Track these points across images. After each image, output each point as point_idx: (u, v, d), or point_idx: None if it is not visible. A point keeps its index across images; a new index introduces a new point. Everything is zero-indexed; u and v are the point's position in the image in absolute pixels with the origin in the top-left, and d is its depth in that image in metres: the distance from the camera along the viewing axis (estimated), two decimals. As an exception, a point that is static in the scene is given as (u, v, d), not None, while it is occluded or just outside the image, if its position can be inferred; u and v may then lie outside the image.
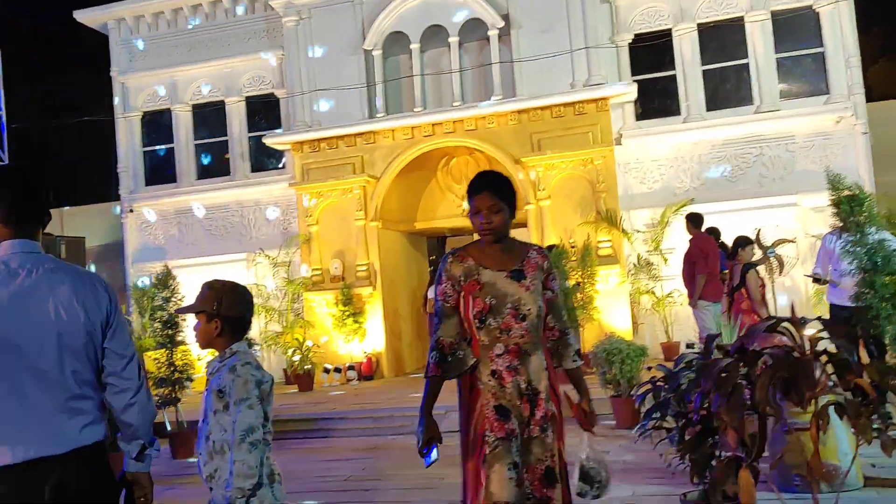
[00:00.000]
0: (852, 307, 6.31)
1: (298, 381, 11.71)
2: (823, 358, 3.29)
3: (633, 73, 12.36)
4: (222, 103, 14.27)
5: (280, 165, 14.05)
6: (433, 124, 12.13)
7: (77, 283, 2.33)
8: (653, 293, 11.75)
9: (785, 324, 3.41)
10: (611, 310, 11.17)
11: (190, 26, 14.40)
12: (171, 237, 14.39)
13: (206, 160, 14.49)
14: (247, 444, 2.60)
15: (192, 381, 8.40)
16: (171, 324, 8.23)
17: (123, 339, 2.39)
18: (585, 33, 11.72)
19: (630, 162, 12.28)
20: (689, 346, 10.26)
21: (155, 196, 14.45)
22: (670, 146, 12.21)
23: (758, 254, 9.17)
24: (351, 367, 11.98)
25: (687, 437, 3.76)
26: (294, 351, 12.02)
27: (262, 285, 13.02)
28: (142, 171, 14.74)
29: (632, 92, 11.68)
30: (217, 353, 2.85)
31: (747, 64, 12.08)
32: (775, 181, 11.81)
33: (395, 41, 12.55)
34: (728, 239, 9.39)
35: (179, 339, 8.27)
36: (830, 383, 3.35)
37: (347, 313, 11.99)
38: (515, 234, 3.12)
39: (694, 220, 9.19)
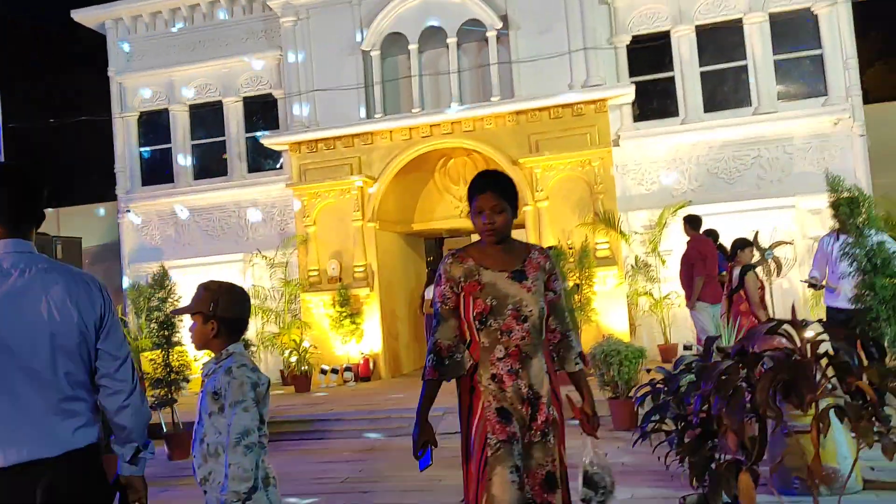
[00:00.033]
0: (849, 310, 6.31)
1: (295, 383, 11.68)
2: (823, 361, 3.27)
3: (632, 75, 12.35)
4: (220, 103, 14.23)
5: (277, 166, 14.02)
6: (431, 125, 12.11)
7: (71, 283, 2.30)
8: (650, 295, 11.74)
9: (784, 326, 3.40)
10: (608, 311, 11.16)
11: (188, 26, 14.37)
12: (168, 237, 14.35)
13: (203, 160, 14.44)
14: (242, 447, 2.57)
15: (188, 381, 8.36)
16: (168, 324, 8.19)
17: (117, 341, 2.36)
18: (584, 34, 11.71)
19: (628, 163, 12.28)
20: (687, 347, 10.26)
21: (152, 196, 14.40)
22: (668, 148, 12.20)
23: (756, 256, 9.16)
24: (348, 369, 11.96)
25: (686, 440, 3.74)
26: (291, 352, 11.99)
27: (259, 286, 12.99)
28: (138, 171, 14.69)
29: (630, 93, 11.67)
30: (213, 355, 2.83)
31: (745, 66, 12.09)
32: (773, 183, 11.82)
33: (394, 42, 12.53)
34: (726, 241, 9.39)
35: (176, 339, 8.24)
36: (829, 386, 3.33)
37: (344, 314, 11.97)
38: (513, 235, 3.10)
39: (692, 222, 9.18)
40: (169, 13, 14.41)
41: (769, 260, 10.12)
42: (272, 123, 13.87)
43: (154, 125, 14.67)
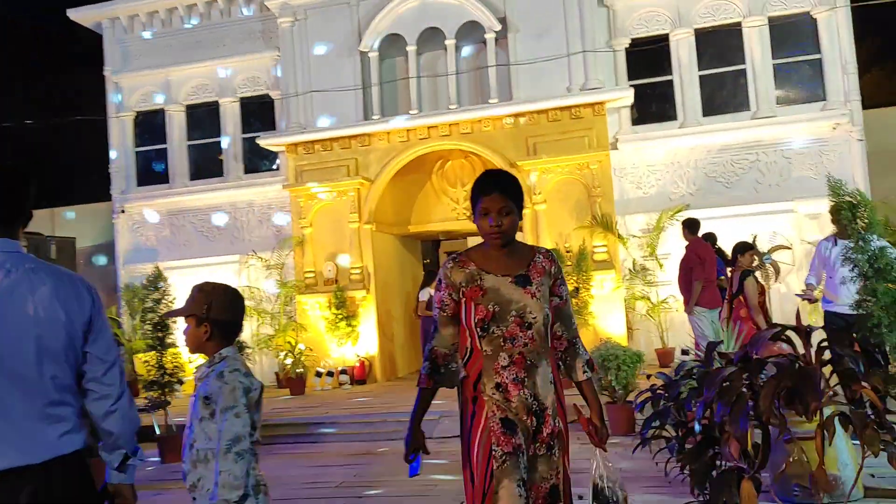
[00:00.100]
0: (849, 315, 6.24)
1: (290, 385, 11.61)
2: (827, 368, 3.22)
3: (630, 78, 12.32)
4: (216, 104, 14.16)
5: (274, 167, 13.96)
6: (429, 127, 12.06)
7: (58, 284, 2.24)
8: (648, 299, 11.69)
9: (787, 332, 3.35)
10: (606, 315, 11.11)
11: (185, 26, 14.30)
12: (163, 238, 14.26)
13: (199, 161, 14.36)
14: (233, 454, 2.50)
15: (182, 383, 8.30)
16: (162, 326, 8.13)
17: (105, 344, 2.29)
18: (582, 37, 11.67)
19: (626, 167, 12.24)
20: (685, 352, 10.23)
21: (147, 196, 14.32)
22: (666, 151, 12.17)
23: (756, 260, 9.11)
24: (343, 371, 11.89)
25: (687, 447, 3.68)
26: (286, 354, 11.92)
27: (254, 288, 12.93)
28: (134, 171, 14.62)
29: (628, 96, 11.64)
30: (206, 358, 2.76)
31: (744, 69, 12.07)
32: (771, 187, 11.79)
33: (392, 43, 12.48)
34: (724, 245, 9.35)
35: (170, 341, 8.18)
36: (831, 393, 3.28)
37: (340, 316, 11.90)
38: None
39: (690, 226, 9.13)
40: (166, 13, 14.35)
41: (767, 264, 10.08)
42: (269, 124, 13.81)
43: (150, 125, 14.59)
